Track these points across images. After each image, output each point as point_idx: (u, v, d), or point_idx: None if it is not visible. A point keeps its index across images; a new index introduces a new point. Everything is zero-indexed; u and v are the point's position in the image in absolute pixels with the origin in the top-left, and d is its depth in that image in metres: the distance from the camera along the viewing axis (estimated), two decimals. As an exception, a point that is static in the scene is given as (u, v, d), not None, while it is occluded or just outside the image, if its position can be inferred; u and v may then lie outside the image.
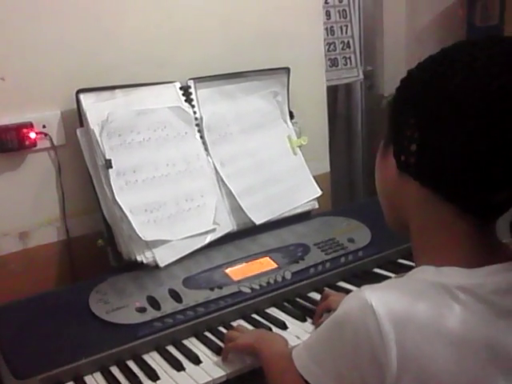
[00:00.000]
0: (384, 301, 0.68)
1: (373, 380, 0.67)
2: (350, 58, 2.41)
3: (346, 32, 2.40)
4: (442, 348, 0.65)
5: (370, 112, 2.59)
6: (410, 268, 0.76)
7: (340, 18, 2.38)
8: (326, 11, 2.30)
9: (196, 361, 1.06)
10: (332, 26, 2.37)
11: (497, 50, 0.67)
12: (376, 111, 2.52)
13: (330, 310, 1.12)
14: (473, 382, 0.66)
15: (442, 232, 0.73)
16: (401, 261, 1.39)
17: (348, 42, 2.41)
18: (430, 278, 0.69)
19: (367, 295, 0.68)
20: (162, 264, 1.29)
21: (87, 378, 1.05)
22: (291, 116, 1.62)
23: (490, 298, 0.67)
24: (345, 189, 2.60)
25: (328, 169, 1.83)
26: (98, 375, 1.06)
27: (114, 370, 1.06)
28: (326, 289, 1.28)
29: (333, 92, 2.46)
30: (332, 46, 2.37)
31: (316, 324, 1.15)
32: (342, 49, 2.40)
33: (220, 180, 1.45)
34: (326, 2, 2.28)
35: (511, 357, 0.67)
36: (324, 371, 0.72)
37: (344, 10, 2.39)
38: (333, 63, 2.37)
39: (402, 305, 0.67)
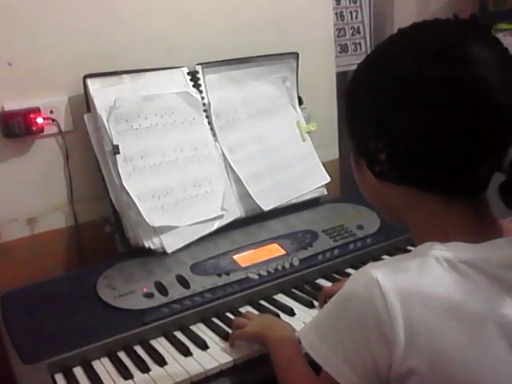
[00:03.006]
0: (390, 276, 0.68)
1: (381, 356, 0.67)
2: (359, 43, 2.39)
3: (356, 17, 2.38)
4: (449, 322, 0.66)
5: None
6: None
7: (350, 3, 2.35)
8: (336, -4, 2.27)
9: (203, 346, 1.06)
10: (342, 12, 2.34)
11: (420, 40, 0.69)
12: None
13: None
14: (481, 357, 0.66)
15: (438, 218, 0.73)
16: (410, 248, 1.37)
17: (358, 28, 2.38)
18: (436, 253, 0.69)
19: (373, 271, 0.69)
20: (169, 250, 1.29)
21: (95, 363, 1.05)
22: (300, 102, 1.61)
23: (495, 272, 0.68)
24: (354, 175, 2.58)
25: (337, 155, 1.82)
26: (106, 360, 1.06)
27: (122, 355, 1.07)
28: (337, 277, 1.27)
29: (342, 78, 2.43)
30: (342, 32, 2.35)
31: (320, 306, 1.17)
32: (352, 34, 2.37)
33: (228, 166, 1.44)
34: (336, -12, 2.25)
35: None
36: (330, 349, 0.71)
37: (354, -4, 2.36)
38: (342, 49, 2.35)
39: (408, 280, 0.68)
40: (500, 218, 0.75)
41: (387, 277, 0.67)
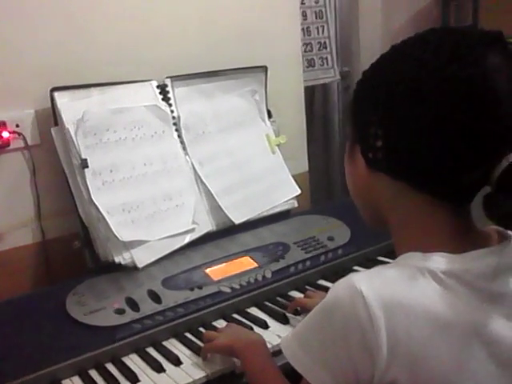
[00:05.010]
0: (373, 286, 0.68)
1: (363, 366, 0.67)
2: (326, 58, 2.42)
3: (323, 32, 2.41)
4: (430, 333, 0.66)
5: (347, 112, 2.59)
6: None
7: (316, 18, 2.39)
8: (303, 12, 2.30)
9: (176, 362, 1.05)
10: (308, 27, 2.37)
11: (443, 39, 0.69)
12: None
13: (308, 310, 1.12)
14: (462, 368, 0.66)
15: (422, 222, 0.74)
16: (380, 258, 1.39)
17: (324, 43, 2.42)
18: (417, 264, 0.70)
19: (356, 281, 0.68)
20: (140, 265, 1.27)
21: (65, 382, 1.02)
22: (269, 115, 1.62)
23: (476, 283, 0.68)
24: (323, 188, 2.60)
25: (306, 168, 1.83)
26: (77, 379, 1.03)
27: (93, 374, 1.04)
28: (309, 289, 1.27)
29: (310, 93, 2.46)
30: (309, 47, 2.37)
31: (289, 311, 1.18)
32: (319, 49, 2.40)
33: (198, 179, 1.43)
34: (303, 3, 2.28)
35: (499, 341, 0.68)
36: (313, 359, 0.71)
37: (320, 11, 2.39)
38: (309, 64, 2.38)
39: (391, 290, 0.68)
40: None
41: (371, 287, 0.67)
